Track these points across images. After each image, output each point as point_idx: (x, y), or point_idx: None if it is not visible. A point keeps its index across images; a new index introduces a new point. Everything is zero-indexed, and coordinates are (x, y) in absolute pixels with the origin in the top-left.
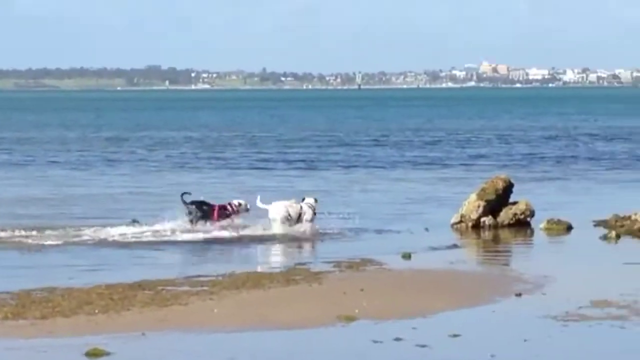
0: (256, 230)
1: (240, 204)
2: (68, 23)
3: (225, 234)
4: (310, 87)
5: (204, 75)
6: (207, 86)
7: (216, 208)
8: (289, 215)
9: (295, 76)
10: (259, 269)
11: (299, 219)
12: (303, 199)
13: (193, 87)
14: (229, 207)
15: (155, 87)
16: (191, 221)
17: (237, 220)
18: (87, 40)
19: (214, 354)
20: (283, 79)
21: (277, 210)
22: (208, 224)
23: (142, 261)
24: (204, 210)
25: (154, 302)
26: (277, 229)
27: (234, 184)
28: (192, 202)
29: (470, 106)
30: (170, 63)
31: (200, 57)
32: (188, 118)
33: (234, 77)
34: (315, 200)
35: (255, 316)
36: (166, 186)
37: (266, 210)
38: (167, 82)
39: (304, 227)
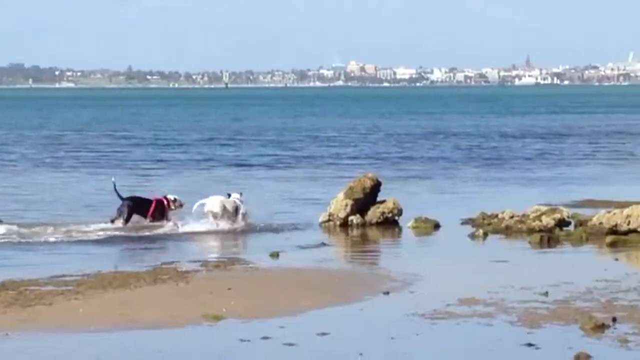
0: (194, 226)
1: (175, 199)
2: None
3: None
4: (177, 85)
5: (68, 73)
6: (71, 84)
7: (154, 203)
8: (227, 209)
9: (161, 75)
10: (126, 268)
11: (236, 213)
12: (229, 195)
13: (57, 85)
14: (165, 202)
15: (18, 86)
16: (122, 219)
17: (171, 215)
18: None
19: (79, 355)
20: (149, 77)
21: (215, 204)
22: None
23: (6, 262)
24: (141, 206)
25: (17, 302)
26: (214, 223)
27: (97, 182)
28: (129, 198)
29: (337, 105)
30: (34, 61)
31: (65, 55)
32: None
33: (98, 75)
34: (241, 194)
35: (121, 316)
36: (27, 185)
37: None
38: (30, 81)
39: (243, 222)
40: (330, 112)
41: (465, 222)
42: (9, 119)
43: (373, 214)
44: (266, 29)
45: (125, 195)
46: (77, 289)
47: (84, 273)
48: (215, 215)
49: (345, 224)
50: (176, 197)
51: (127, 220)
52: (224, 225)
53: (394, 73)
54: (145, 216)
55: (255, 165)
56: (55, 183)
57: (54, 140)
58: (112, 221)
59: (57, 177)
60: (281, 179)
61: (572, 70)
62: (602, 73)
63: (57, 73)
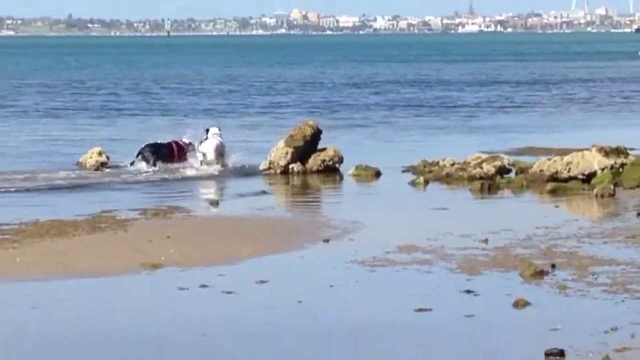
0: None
1: (190, 143)
2: None
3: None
4: (118, 34)
5: (8, 21)
6: (11, 33)
7: (175, 147)
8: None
9: (102, 23)
10: (64, 217)
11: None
12: (207, 130)
13: None
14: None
15: None
16: (148, 163)
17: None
18: None
19: (17, 303)
20: (90, 25)
21: (210, 148)
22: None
23: None
24: (162, 152)
25: None
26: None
27: (30, 133)
28: (147, 145)
29: (279, 54)
30: None
31: (4, 2)
32: None
33: (39, 23)
34: (219, 129)
35: (59, 264)
36: None
37: None
38: None
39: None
40: (271, 60)
41: (406, 170)
42: None
43: (314, 161)
44: None
45: None
46: (15, 237)
47: (21, 222)
48: (209, 161)
49: (285, 172)
50: (190, 140)
51: (154, 163)
52: (215, 168)
53: (337, 21)
54: (169, 160)
55: (190, 114)
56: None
57: None
58: (131, 164)
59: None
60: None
61: (516, 18)
62: (546, 21)
63: None
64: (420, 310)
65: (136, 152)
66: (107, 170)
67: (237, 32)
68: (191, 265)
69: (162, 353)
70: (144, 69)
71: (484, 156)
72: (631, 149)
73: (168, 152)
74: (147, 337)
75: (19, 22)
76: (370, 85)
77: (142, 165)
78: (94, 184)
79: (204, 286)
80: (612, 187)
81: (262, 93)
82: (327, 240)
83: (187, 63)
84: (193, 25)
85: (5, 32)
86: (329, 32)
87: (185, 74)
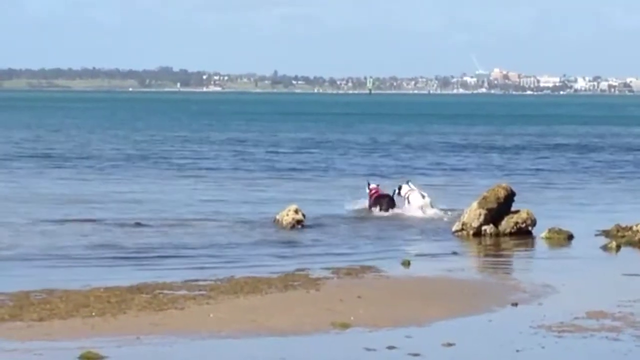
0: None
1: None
2: (81, 24)
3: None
4: (321, 90)
5: (216, 77)
6: (218, 88)
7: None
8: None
9: (306, 80)
10: (258, 274)
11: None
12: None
13: (204, 89)
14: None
15: (167, 89)
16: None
17: None
18: (100, 41)
19: None
20: (294, 82)
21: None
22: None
23: (144, 265)
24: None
25: (150, 305)
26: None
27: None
28: (386, 195)
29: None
30: (182, 65)
31: (212, 59)
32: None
33: (245, 79)
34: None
35: (250, 322)
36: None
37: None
38: (178, 84)
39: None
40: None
41: (599, 233)
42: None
43: (507, 223)
44: (410, 36)
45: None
46: (210, 293)
47: (217, 278)
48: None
49: (478, 234)
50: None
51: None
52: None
53: (538, 81)
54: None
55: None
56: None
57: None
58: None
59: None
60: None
61: None
62: None
63: (204, 77)
64: None
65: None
66: (301, 227)
67: (438, 91)
68: (380, 326)
69: None
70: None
71: None
72: None
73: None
74: None
75: (226, 78)
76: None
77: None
78: (291, 240)
79: (391, 347)
80: None
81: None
82: (515, 304)
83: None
84: (395, 84)
85: (212, 88)
86: (529, 92)
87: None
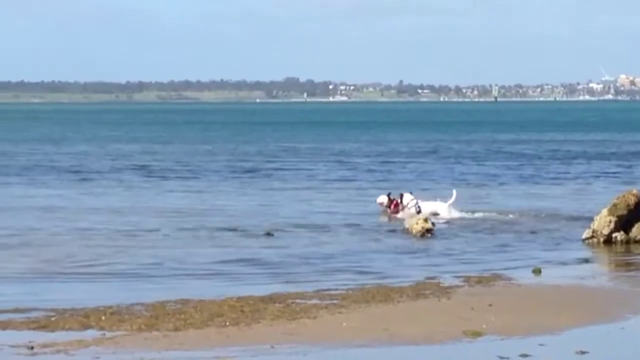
0: None
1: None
2: (209, 37)
3: None
4: (446, 99)
5: (342, 87)
6: (344, 98)
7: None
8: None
9: (432, 88)
10: (389, 283)
11: None
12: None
13: (331, 99)
14: None
15: (293, 100)
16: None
17: None
18: (228, 53)
19: None
20: (420, 91)
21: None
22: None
23: (276, 274)
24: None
25: (283, 315)
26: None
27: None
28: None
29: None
30: (309, 75)
31: (338, 69)
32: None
33: (371, 89)
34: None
35: (383, 331)
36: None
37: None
38: (305, 95)
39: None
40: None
41: None
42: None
43: (638, 230)
44: (535, 43)
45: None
46: (342, 302)
47: (348, 287)
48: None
49: (609, 241)
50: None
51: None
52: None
53: None
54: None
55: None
56: None
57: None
58: None
59: None
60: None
61: None
62: None
63: (330, 87)
64: None
65: None
66: (430, 235)
67: (564, 98)
68: (512, 334)
69: None
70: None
71: None
72: None
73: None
74: None
75: (352, 87)
76: None
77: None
78: (421, 248)
79: (524, 356)
80: None
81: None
82: None
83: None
84: (520, 91)
85: (338, 98)
86: None
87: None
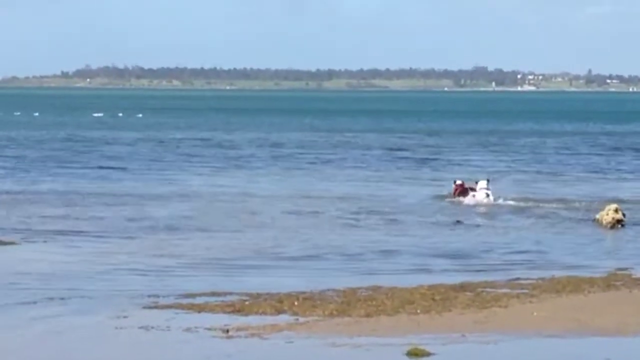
0: None
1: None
2: (398, 24)
3: None
4: (635, 89)
5: (530, 77)
6: (532, 88)
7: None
8: None
9: (620, 78)
10: (579, 273)
11: None
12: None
13: (519, 88)
14: None
15: (481, 89)
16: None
17: None
18: (417, 41)
19: (531, 357)
20: (608, 81)
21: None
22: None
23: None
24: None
25: (474, 303)
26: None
27: None
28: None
29: None
30: (497, 64)
31: (527, 59)
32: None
33: (559, 79)
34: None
35: (574, 321)
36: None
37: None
38: (493, 84)
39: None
40: None
41: None
42: None
43: None
44: None
45: None
46: (532, 292)
47: (539, 277)
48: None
49: None
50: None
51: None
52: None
53: None
54: None
55: None
56: None
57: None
58: None
59: None
60: None
61: None
62: None
63: (519, 76)
64: None
65: None
66: (621, 226)
67: None
68: None
69: None
70: None
71: None
72: None
73: None
74: None
75: (540, 77)
76: None
77: None
78: (610, 239)
79: None
80: None
81: None
82: None
83: None
84: None
85: (526, 87)
86: None
87: None
